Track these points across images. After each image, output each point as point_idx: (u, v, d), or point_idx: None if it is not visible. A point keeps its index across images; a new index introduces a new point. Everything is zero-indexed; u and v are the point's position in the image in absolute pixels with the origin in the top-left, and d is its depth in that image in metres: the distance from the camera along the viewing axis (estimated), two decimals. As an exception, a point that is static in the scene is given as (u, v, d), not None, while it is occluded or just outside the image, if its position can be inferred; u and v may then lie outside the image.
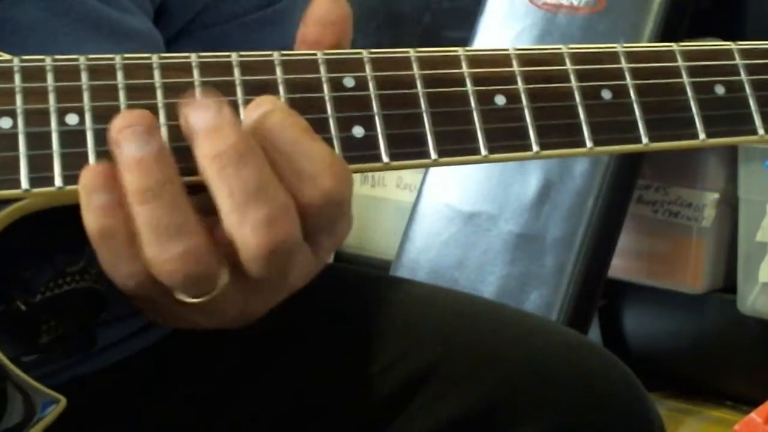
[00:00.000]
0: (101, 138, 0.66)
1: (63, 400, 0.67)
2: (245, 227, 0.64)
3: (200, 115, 0.65)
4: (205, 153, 0.65)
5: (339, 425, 0.88)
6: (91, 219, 0.65)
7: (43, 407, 0.67)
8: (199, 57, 0.68)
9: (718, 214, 1.87)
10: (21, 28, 0.78)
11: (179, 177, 0.65)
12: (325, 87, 0.69)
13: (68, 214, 0.66)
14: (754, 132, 0.73)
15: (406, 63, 0.71)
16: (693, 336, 1.96)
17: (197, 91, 0.68)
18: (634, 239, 1.92)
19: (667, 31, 1.81)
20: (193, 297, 0.66)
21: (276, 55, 0.69)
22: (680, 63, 0.73)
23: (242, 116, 0.67)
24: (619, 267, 1.91)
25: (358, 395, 0.88)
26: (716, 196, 1.87)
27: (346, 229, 0.69)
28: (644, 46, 0.74)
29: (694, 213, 1.88)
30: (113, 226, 0.65)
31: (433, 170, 1.89)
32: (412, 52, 0.71)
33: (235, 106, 0.68)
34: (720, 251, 1.89)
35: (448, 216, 1.89)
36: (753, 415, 1.39)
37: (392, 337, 0.90)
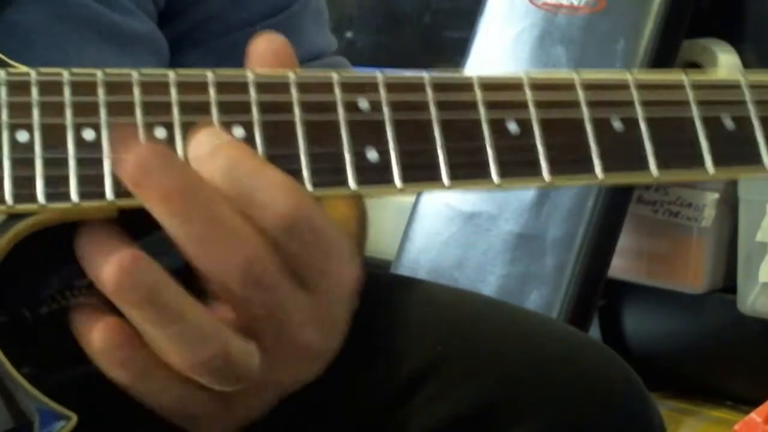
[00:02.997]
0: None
1: (74, 418, 0.67)
2: (209, 254, 0.63)
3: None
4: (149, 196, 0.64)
5: (339, 424, 0.88)
6: (118, 374, 0.67)
7: (53, 423, 0.67)
8: (216, 76, 0.68)
9: (718, 214, 1.87)
10: (25, 31, 0.78)
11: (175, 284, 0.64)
12: (340, 109, 0.69)
13: (78, 227, 0.66)
14: (763, 168, 0.73)
15: (419, 87, 0.71)
16: (693, 336, 1.96)
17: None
18: (634, 239, 1.92)
19: (667, 31, 1.81)
20: (231, 386, 0.66)
21: (292, 76, 0.69)
22: (689, 94, 0.73)
23: (182, 154, 0.66)
24: (619, 267, 1.91)
25: (358, 394, 0.88)
26: (716, 196, 1.87)
27: (343, 269, 0.67)
28: (654, 76, 0.73)
29: (694, 213, 1.88)
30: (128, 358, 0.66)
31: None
32: (426, 77, 0.71)
33: (250, 126, 0.67)
34: (720, 251, 1.89)
35: (448, 216, 1.89)
36: (753, 415, 1.39)
37: (392, 335, 0.90)
